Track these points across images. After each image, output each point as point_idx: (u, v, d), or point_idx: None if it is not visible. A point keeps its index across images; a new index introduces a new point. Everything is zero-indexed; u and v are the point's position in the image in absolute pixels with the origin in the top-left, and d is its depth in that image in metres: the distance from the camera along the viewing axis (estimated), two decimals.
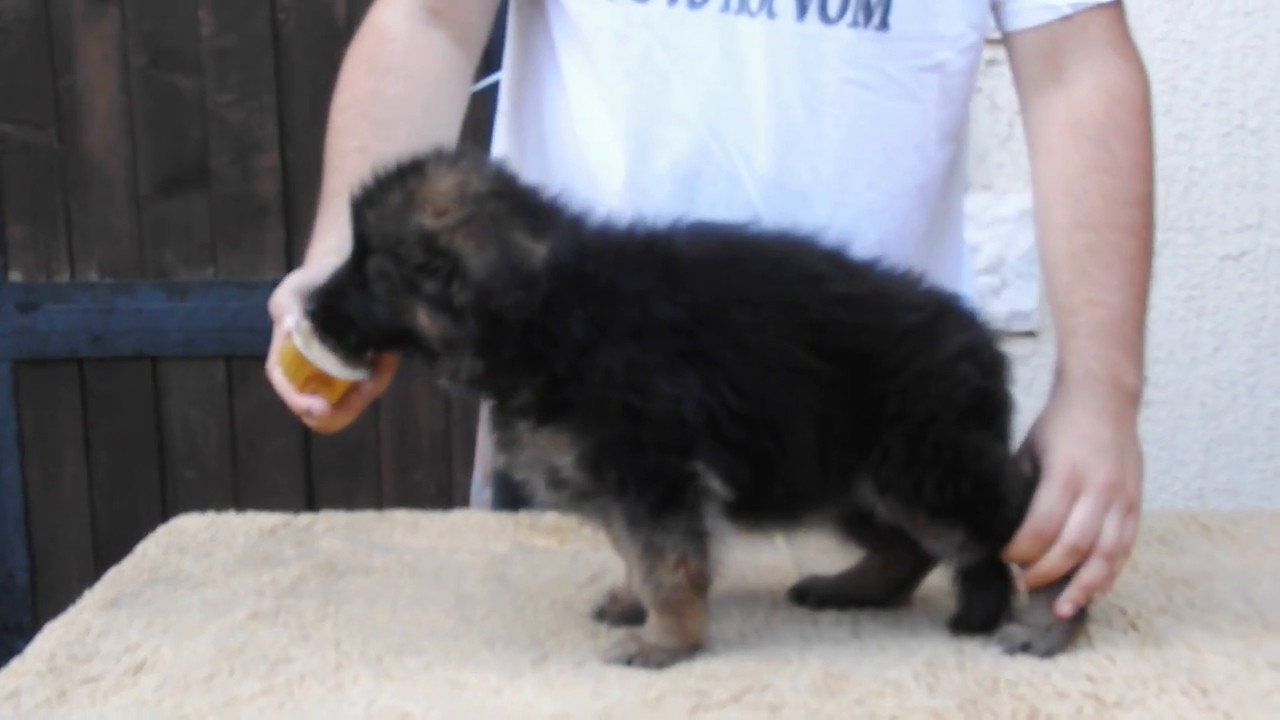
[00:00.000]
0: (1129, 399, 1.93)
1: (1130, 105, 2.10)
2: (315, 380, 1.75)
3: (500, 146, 2.36)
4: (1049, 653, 1.71)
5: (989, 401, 1.78)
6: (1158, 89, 3.75)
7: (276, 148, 4.25)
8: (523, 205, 1.66)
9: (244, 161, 4.27)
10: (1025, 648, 1.72)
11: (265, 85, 4.24)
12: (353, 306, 1.68)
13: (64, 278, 4.33)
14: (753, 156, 2.10)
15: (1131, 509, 1.82)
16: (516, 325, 1.62)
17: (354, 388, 1.78)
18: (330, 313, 1.70)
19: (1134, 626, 1.81)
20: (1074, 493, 1.80)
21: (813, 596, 1.92)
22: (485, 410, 2.43)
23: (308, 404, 1.78)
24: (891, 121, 2.15)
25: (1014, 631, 1.74)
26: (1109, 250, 2.01)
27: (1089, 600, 1.78)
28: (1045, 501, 1.79)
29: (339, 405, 1.79)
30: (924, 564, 1.87)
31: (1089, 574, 1.77)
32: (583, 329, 1.63)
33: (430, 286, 1.62)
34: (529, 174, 1.94)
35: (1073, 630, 1.75)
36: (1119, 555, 1.79)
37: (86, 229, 4.31)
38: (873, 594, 1.91)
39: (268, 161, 4.27)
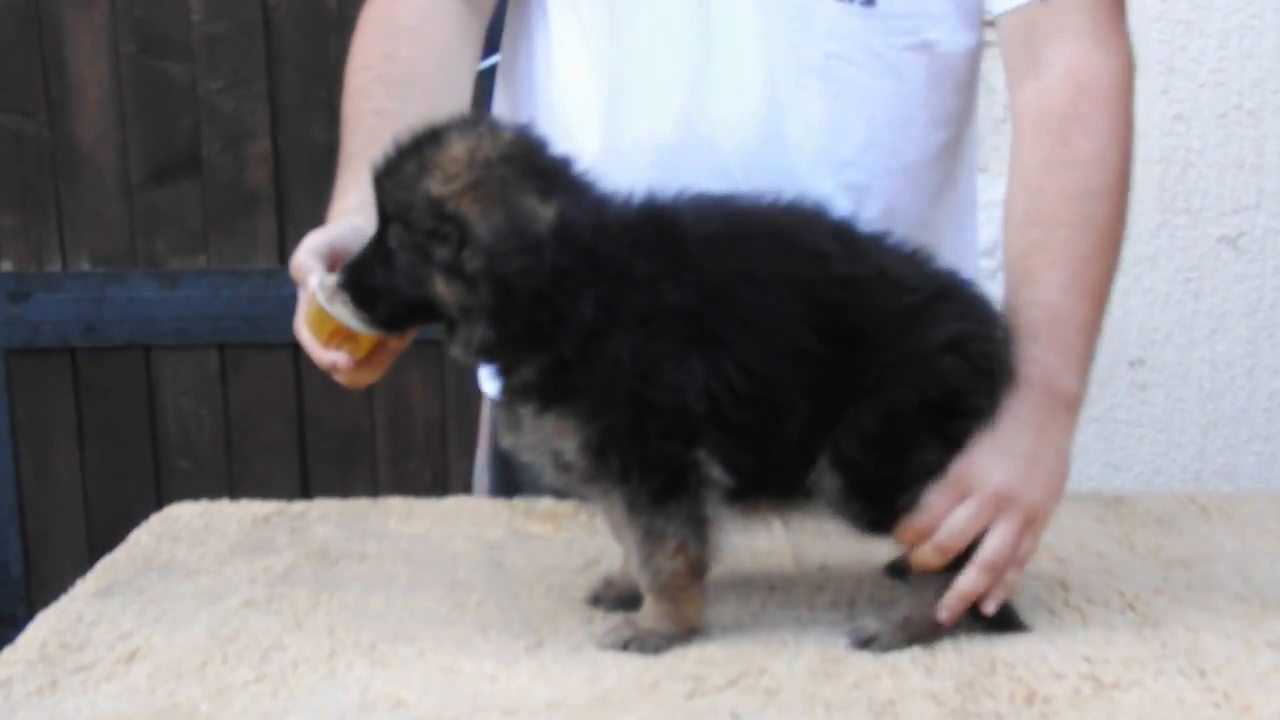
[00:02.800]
0: (1062, 405, 1.83)
1: (1096, 95, 2.00)
2: (339, 335, 1.76)
3: (498, 109, 2.35)
4: (887, 649, 1.67)
5: (958, 404, 1.70)
6: (1154, 70, 3.74)
7: (268, 135, 4.23)
8: (534, 169, 1.64)
9: (235, 149, 4.25)
10: (868, 642, 1.68)
11: (256, 72, 4.22)
12: (377, 279, 1.68)
13: (55, 267, 4.31)
14: (735, 127, 2.07)
15: (1031, 523, 1.75)
16: (527, 294, 1.61)
17: (380, 343, 1.78)
18: (358, 286, 1.70)
19: (1132, 608, 1.80)
20: (960, 495, 1.73)
21: (904, 571, 1.86)
22: (486, 396, 2.43)
23: (332, 359, 1.78)
24: (874, 99, 2.10)
25: (868, 625, 1.71)
26: (1058, 248, 1.91)
27: (976, 606, 1.73)
28: (929, 498, 1.73)
29: (365, 361, 1.79)
30: None
31: (964, 582, 1.72)
32: (593, 311, 1.62)
33: (442, 253, 1.61)
34: None
35: (920, 640, 1.69)
36: (1002, 567, 1.72)
37: (77, 218, 4.29)
38: (956, 566, 1.87)
39: (259, 149, 4.25)
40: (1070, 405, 1.84)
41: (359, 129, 2.04)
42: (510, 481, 2.36)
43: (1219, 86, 3.83)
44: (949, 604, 1.72)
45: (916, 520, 1.72)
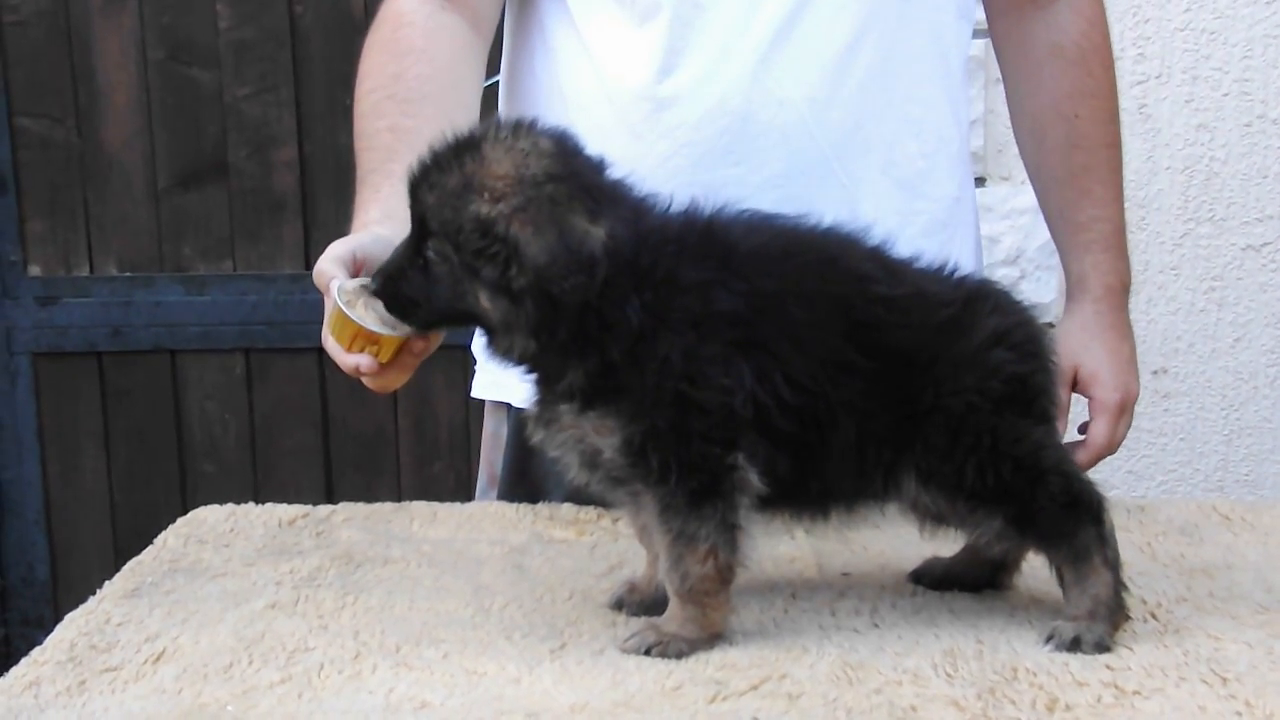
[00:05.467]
0: (1128, 294, 2.34)
1: (1101, 28, 2.32)
2: (362, 338, 1.77)
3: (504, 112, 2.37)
4: (1099, 645, 1.68)
5: (1026, 386, 1.77)
6: (1178, 79, 3.74)
7: (294, 141, 4.27)
8: (582, 186, 1.64)
9: (262, 155, 4.29)
10: (1076, 643, 1.68)
11: (283, 78, 4.25)
12: (414, 287, 1.69)
13: (83, 271, 4.35)
14: (803, 79, 2.12)
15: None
16: (573, 308, 1.62)
17: (404, 346, 1.79)
18: (394, 294, 1.71)
19: (1154, 616, 1.80)
20: (1121, 414, 2.24)
21: (928, 578, 1.94)
22: (490, 410, 2.44)
23: (356, 361, 1.79)
24: (921, 30, 2.20)
25: (1063, 628, 1.71)
26: (1103, 168, 2.32)
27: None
28: (1104, 432, 2.22)
29: (392, 363, 1.81)
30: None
31: (1093, 456, 2.23)
32: (639, 317, 1.63)
33: (489, 271, 1.62)
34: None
35: (1115, 616, 1.72)
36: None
37: (105, 223, 4.33)
38: (980, 575, 1.91)
39: (285, 155, 4.28)
40: (1130, 289, 2.34)
41: (375, 147, 2.07)
42: (530, 492, 2.36)
43: (1243, 96, 3.83)
44: (1081, 462, 2.12)
45: (1099, 454, 2.22)
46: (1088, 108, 2.30)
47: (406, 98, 2.09)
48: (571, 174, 1.64)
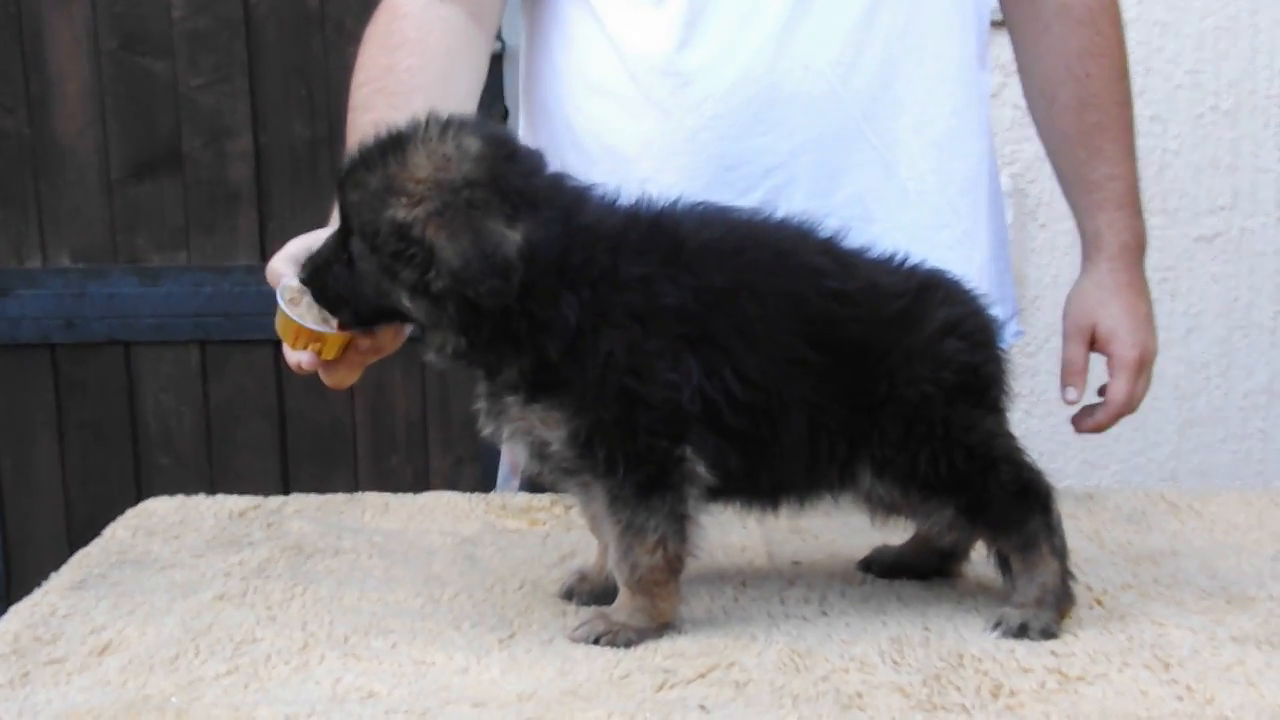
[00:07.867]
0: (1144, 252, 2.36)
1: None
2: (306, 336, 1.78)
3: (522, 103, 2.40)
4: (1046, 632, 1.69)
5: (978, 376, 1.78)
6: (1131, 71, 3.76)
7: (249, 132, 4.23)
8: (502, 190, 1.63)
9: (216, 145, 4.25)
10: (1023, 629, 1.70)
11: (238, 68, 4.21)
12: (340, 283, 1.69)
13: (35, 263, 4.31)
14: (826, 43, 2.14)
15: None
16: (494, 311, 1.62)
17: (351, 343, 1.79)
18: (321, 286, 1.71)
19: (1099, 602, 1.82)
20: (1139, 371, 2.28)
21: (878, 566, 1.94)
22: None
23: (298, 359, 1.79)
24: None
25: (1010, 615, 1.73)
26: (1115, 126, 2.34)
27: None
28: (1124, 389, 2.27)
29: (341, 360, 1.81)
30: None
31: (1115, 412, 2.31)
32: (576, 314, 1.63)
33: (408, 274, 1.62)
34: (565, 127, 2.08)
35: (1062, 604, 1.74)
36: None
37: (58, 214, 4.29)
38: (929, 563, 1.92)
39: (240, 145, 4.24)
40: (1145, 247, 2.37)
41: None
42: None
43: (1195, 88, 3.86)
44: (1102, 422, 2.31)
45: (1122, 411, 2.29)
46: (1098, 66, 2.33)
47: (396, 90, 2.09)
48: (493, 178, 1.63)
